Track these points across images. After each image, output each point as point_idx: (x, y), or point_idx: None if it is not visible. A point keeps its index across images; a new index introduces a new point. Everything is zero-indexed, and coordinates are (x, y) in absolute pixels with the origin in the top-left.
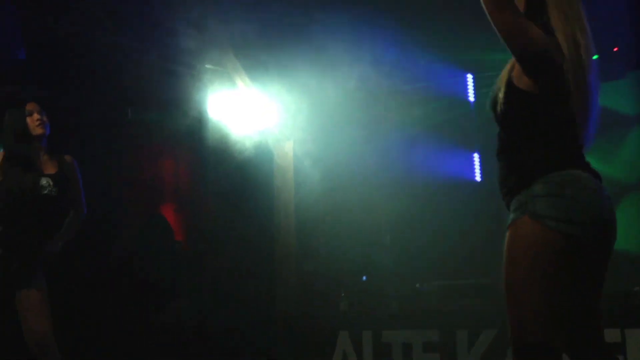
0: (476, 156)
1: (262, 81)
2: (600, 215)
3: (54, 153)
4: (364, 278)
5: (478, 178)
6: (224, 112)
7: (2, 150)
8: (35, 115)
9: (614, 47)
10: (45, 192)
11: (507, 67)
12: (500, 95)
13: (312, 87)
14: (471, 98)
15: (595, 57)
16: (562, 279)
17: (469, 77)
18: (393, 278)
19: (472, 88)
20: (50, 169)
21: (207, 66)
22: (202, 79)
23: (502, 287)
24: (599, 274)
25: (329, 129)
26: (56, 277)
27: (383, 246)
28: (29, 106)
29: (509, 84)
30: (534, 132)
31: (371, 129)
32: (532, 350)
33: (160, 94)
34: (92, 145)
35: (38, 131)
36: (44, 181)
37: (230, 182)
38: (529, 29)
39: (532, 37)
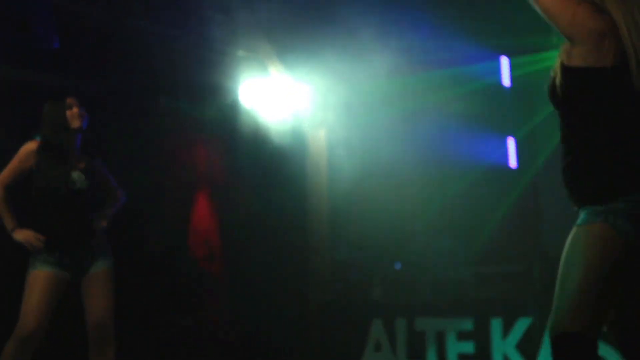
0: (511, 143)
1: (295, 68)
2: None
3: (83, 152)
4: (398, 266)
5: (513, 164)
6: (257, 99)
7: (38, 139)
8: (75, 109)
9: None
10: (78, 186)
11: (559, 55)
12: (558, 80)
13: (344, 74)
14: (506, 82)
15: None
16: (613, 278)
17: (504, 60)
18: (426, 265)
19: (508, 71)
20: (81, 163)
21: (240, 53)
22: (235, 65)
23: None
24: None
25: (362, 116)
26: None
27: (416, 234)
28: (69, 100)
29: (563, 67)
30: (601, 122)
31: (404, 114)
32: (569, 339)
33: (193, 81)
34: (125, 134)
35: (76, 124)
36: (75, 175)
37: (263, 170)
38: (573, 4)
39: (576, 11)
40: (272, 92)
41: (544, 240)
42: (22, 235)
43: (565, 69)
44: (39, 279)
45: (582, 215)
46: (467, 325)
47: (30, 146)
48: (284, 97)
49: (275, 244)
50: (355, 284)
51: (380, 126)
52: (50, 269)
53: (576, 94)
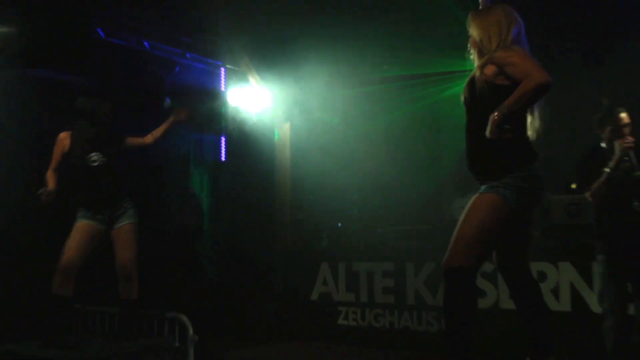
0: None
1: (270, 78)
2: (540, 201)
3: (111, 135)
4: (339, 225)
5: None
6: (240, 100)
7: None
8: (107, 106)
9: None
10: (96, 164)
11: (476, 72)
12: (475, 90)
13: (308, 82)
14: None
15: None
16: (497, 231)
17: None
18: (361, 224)
19: None
20: (100, 144)
21: (228, 66)
22: (225, 75)
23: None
24: (524, 229)
25: (320, 114)
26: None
27: (352, 201)
28: (101, 100)
29: (485, 82)
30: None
31: (356, 119)
32: (458, 272)
33: (193, 86)
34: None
35: (104, 117)
36: (94, 156)
37: (244, 154)
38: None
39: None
40: (251, 96)
41: (444, 208)
42: (44, 189)
43: (488, 84)
44: (77, 227)
45: (482, 187)
46: (389, 267)
47: (62, 136)
48: (260, 100)
49: (249, 208)
50: (309, 237)
51: (336, 124)
52: (86, 221)
53: (489, 100)
